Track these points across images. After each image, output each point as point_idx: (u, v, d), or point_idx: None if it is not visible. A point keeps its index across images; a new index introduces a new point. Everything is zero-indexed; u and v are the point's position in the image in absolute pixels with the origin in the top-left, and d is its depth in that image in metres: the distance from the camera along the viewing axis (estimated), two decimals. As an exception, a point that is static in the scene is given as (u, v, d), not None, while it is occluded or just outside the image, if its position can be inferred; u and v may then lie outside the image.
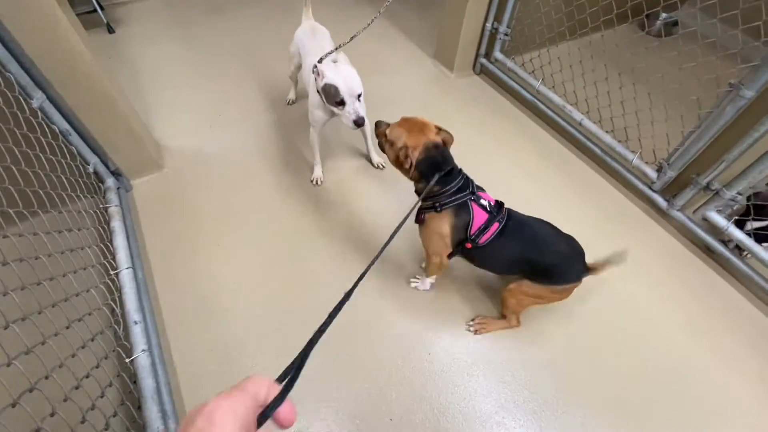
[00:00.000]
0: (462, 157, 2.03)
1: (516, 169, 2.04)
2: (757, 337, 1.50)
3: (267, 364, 1.37)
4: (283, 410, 0.34)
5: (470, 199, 1.18)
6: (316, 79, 1.49)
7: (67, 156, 1.41)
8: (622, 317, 1.53)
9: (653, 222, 1.85)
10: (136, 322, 1.25)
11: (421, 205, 1.22)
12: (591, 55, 1.94)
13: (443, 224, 1.20)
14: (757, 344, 1.49)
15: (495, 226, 1.19)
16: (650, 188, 1.83)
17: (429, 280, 1.54)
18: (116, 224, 1.51)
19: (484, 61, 2.47)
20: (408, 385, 1.37)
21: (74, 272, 1.14)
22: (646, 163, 1.81)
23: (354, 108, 1.44)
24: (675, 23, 2.95)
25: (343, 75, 1.42)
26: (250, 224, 1.77)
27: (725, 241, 1.65)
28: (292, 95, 2.31)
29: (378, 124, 1.27)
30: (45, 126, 1.32)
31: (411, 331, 1.47)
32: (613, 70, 1.88)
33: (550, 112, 2.16)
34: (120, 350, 1.20)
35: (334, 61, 1.51)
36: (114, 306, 1.28)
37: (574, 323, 1.50)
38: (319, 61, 1.48)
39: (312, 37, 1.74)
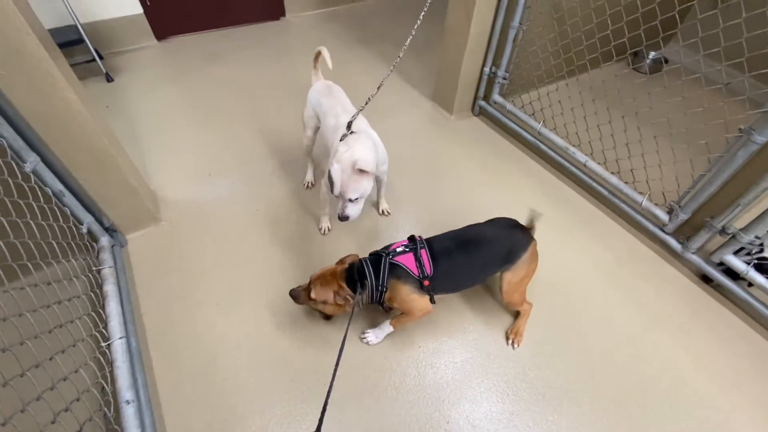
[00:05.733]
0: (467, 199, 2.03)
1: (521, 211, 1.98)
2: (793, 390, 1.42)
3: (272, 444, 1.25)
4: None
5: (390, 259, 1.28)
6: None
7: (60, 218, 1.34)
8: (651, 374, 1.44)
9: (668, 265, 1.80)
10: (128, 402, 1.14)
11: (373, 300, 1.31)
12: (593, 99, 1.95)
13: (402, 289, 1.27)
14: (794, 397, 1.40)
15: (423, 253, 1.28)
16: (662, 230, 1.79)
17: (386, 330, 1.45)
18: (109, 288, 1.42)
19: (483, 103, 2.49)
20: (427, 459, 1.25)
21: (62, 352, 1.04)
22: (656, 205, 1.78)
23: (343, 207, 1.38)
24: (662, 61, 3.04)
25: (346, 174, 1.32)
26: (252, 279, 1.68)
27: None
28: (309, 176, 2.05)
29: (295, 296, 1.38)
30: (37, 189, 1.26)
31: (426, 397, 1.36)
32: (616, 113, 1.89)
33: (553, 154, 2.15)
34: (110, 438, 1.08)
35: (351, 131, 1.44)
36: (104, 384, 1.16)
37: (600, 382, 1.41)
38: (349, 128, 1.44)
39: (328, 95, 1.68)
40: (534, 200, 2.06)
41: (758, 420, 1.34)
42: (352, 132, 1.44)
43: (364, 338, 1.47)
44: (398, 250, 1.30)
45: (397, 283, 1.27)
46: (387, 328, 1.44)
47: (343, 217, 1.39)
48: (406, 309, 1.34)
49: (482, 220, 1.93)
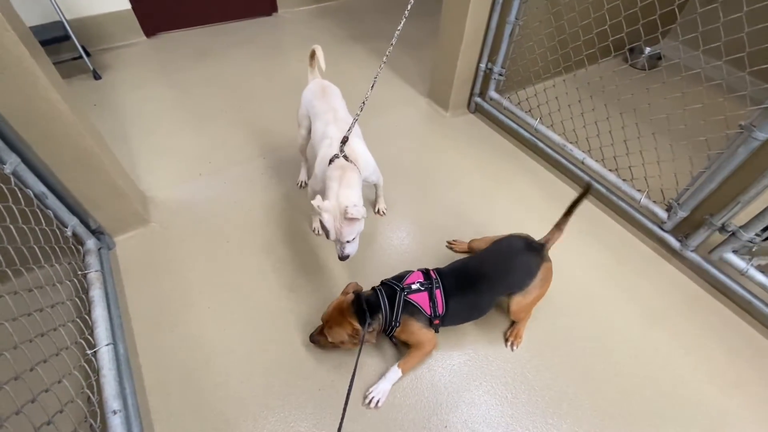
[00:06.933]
0: (463, 197, 2.00)
1: (518, 209, 1.97)
2: (793, 389, 1.41)
3: (266, 452, 1.21)
4: None
5: (405, 296, 1.28)
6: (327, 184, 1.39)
7: (42, 221, 1.29)
8: (651, 375, 1.42)
9: (666, 263, 1.78)
10: (115, 412, 1.10)
11: (385, 331, 1.32)
12: (590, 95, 1.93)
13: (414, 325, 1.28)
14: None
15: (438, 293, 1.29)
16: (661, 228, 1.77)
17: (392, 378, 1.33)
18: (96, 293, 1.37)
19: (479, 100, 2.45)
20: (425, 465, 1.22)
21: (45, 361, 1.00)
22: (655, 202, 1.76)
23: (341, 248, 1.35)
24: (659, 57, 3.02)
25: (338, 221, 1.30)
26: (245, 281, 1.64)
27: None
28: (303, 176, 2.02)
29: (316, 341, 1.36)
30: (18, 191, 1.20)
31: (424, 401, 1.33)
32: (614, 109, 1.86)
33: (550, 151, 2.13)
34: (96, 450, 1.04)
35: (342, 151, 1.41)
36: (90, 394, 1.12)
37: (600, 383, 1.39)
38: (344, 142, 1.42)
39: (322, 97, 1.62)
40: (531, 197, 2.03)
41: (760, 420, 1.32)
42: (344, 155, 1.40)
43: (370, 397, 1.29)
44: (413, 287, 1.29)
45: (410, 319, 1.28)
46: (394, 374, 1.32)
47: (344, 257, 1.36)
48: (414, 341, 1.32)
49: (479, 219, 1.91)
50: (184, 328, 1.49)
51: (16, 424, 0.85)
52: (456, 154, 2.28)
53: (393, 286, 1.31)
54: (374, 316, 1.26)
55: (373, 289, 1.33)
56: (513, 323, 1.50)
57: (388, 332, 1.31)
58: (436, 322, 1.31)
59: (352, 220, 1.28)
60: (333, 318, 1.27)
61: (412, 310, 1.28)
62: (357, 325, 1.24)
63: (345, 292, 1.33)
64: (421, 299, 1.28)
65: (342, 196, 1.30)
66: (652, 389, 1.38)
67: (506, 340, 1.48)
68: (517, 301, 1.34)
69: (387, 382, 1.32)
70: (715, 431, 1.30)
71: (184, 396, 1.31)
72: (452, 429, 1.28)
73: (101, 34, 2.99)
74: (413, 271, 1.36)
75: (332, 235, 1.32)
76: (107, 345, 1.24)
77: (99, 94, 2.61)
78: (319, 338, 1.33)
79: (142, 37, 3.19)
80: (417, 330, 1.29)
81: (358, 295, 1.30)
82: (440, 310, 1.28)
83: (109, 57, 2.96)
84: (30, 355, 0.98)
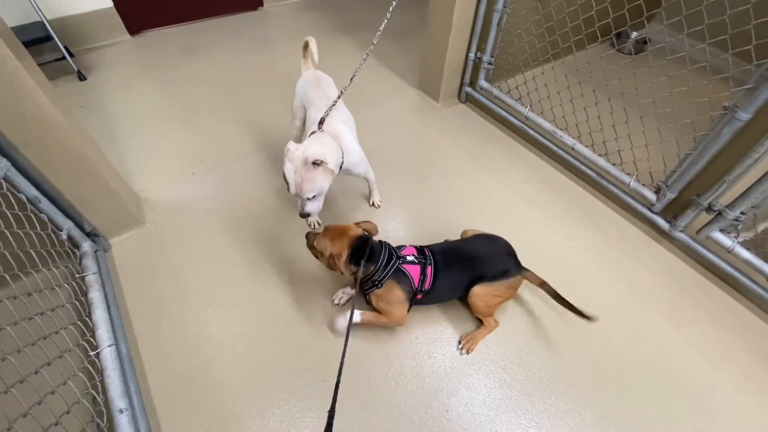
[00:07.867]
0: (456, 187, 2.02)
1: (511, 197, 2.00)
2: (779, 360, 1.46)
3: (273, 443, 1.24)
4: None
5: (400, 263, 1.32)
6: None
7: (37, 226, 1.28)
8: (644, 352, 1.47)
9: (656, 244, 1.82)
10: (121, 411, 1.11)
11: (363, 288, 1.35)
12: (579, 81, 1.95)
13: (394, 292, 1.31)
14: (780, 367, 1.45)
15: (429, 270, 1.34)
16: (650, 210, 1.81)
17: (353, 319, 1.26)
18: (95, 294, 1.37)
19: (469, 89, 2.46)
20: (428, 449, 1.25)
21: (48, 364, 1.01)
22: (644, 185, 1.80)
23: (302, 205, 1.35)
24: (645, 41, 3.05)
25: (299, 174, 1.28)
26: (243, 277, 1.65)
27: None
28: None
29: (307, 237, 1.37)
30: (10, 196, 1.20)
31: (425, 387, 1.37)
32: (602, 95, 1.89)
33: (540, 138, 2.15)
34: (105, 449, 1.05)
35: (320, 129, 1.42)
36: (95, 394, 1.13)
37: (595, 363, 1.43)
38: (321, 123, 1.43)
39: (316, 86, 1.64)
40: (523, 185, 2.06)
41: (745, 390, 1.38)
42: (321, 130, 1.42)
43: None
44: (409, 258, 1.34)
45: (395, 286, 1.31)
46: (356, 316, 1.36)
47: (304, 215, 1.38)
48: (387, 311, 1.35)
49: (471, 207, 1.94)
50: (185, 327, 1.50)
51: (26, 427, 0.86)
52: (448, 144, 2.30)
53: (393, 251, 1.35)
54: (368, 264, 1.28)
55: (380, 242, 1.35)
56: (481, 324, 1.49)
57: (366, 289, 1.34)
58: (419, 297, 1.35)
59: (315, 168, 1.26)
60: (334, 233, 1.29)
61: (400, 278, 1.31)
62: (343, 255, 1.25)
63: (360, 225, 1.35)
64: (413, 271, 1.33)
65: (309, 150, 1.27)
66: (644, 365, 1.43)
67: (459, 342, 1.46)
68: (479, 288, 1.36)
69: (345, 318, 1.31)
70: (704, 401, 1.35)
71: (189, 393, 1.33)
72: (454, 413, 1.31)
73: (84, 34, 2.93)
74: (407, 246, 1.40)
75: (292, 188, 1.31)
76: (109, 346, 1.25)
77: (85, 95, 2.57)
78: (312, 238, 1.34)
79: (126, 36, 3.14)
80: (395, 301, 1.32)
81: (368, 237, 1.31)
82: (427, 285, 1.34)
83: (93, 57, 2.91)
84: (34, 358, 0.99)
